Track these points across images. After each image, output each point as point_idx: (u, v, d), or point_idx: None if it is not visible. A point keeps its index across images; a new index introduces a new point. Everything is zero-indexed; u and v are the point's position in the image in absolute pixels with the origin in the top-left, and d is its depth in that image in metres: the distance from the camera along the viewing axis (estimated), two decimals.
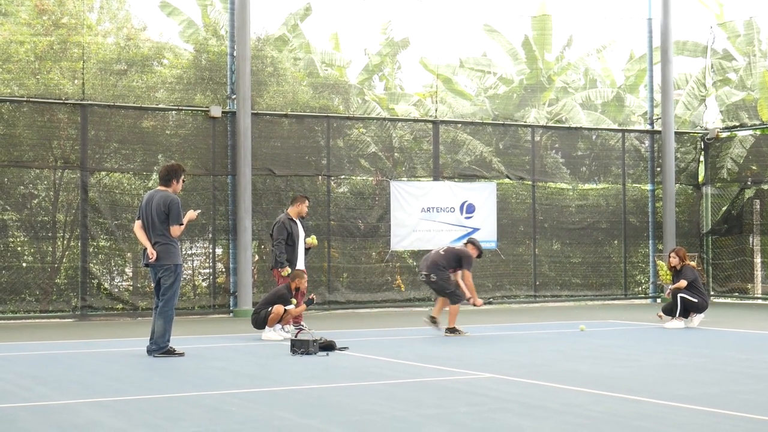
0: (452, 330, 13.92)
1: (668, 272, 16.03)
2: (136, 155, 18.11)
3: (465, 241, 14.76)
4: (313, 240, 14.24)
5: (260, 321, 13.35)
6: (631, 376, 9.58)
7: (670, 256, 15.41)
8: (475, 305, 14.29)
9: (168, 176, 11.57)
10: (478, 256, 14.39)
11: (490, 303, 15.16)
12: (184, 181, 11.82)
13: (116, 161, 18.10)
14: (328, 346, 11.64)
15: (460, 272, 14.12)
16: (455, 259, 14.04)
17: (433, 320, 14.12)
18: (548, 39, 23.96)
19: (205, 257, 18.75)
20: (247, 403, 7.91)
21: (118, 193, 17.88)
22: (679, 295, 15.03)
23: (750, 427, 6.87)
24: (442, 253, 14.14)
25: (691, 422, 7.03)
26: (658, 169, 22.34)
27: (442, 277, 13.93)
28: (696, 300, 15.06)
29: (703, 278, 22.04)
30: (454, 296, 13.95)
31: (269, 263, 14.51)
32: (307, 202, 14.37)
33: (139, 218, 11.54)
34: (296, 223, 14.08)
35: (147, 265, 11.49)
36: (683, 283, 15.00)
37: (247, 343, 13.08)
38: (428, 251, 20.06)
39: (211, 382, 9.31)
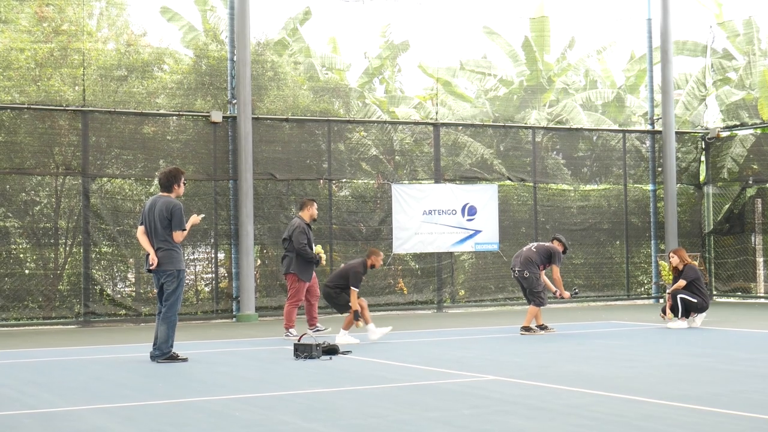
0: (527, 329, 14.49)
1: (670, 273, 16.06)
2: (138, 161, 18.13)
3: (552, 238, 15.37)
4: (319, 250, 14.22)
5: (337, 305, 13.33)
6: (635, 377, 9.58)
7: (670, 257, 15.43)
8: (562, 298, 14.96)
9: (168, 182, 11.59)
10: (564, 252, 15.01)
11: (576, 293, 15.61)
12: (185, 183, 11.84)
13: (117, 167, 18.11)
14: (331, 350, 11.66)
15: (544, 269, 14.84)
16: (547, 256, 14.72)
17: (543, 327, 14.71)
18: (547, 40, 23.97)
19: (207, 262, 18.75)
20: (251, 408, 7.92)
21: (120, 198, 17.90)
22: (678, 295, 15.03)
23: (754, 427, 6.87)
24: (534, 250, 14.80)
25: (694, 422, 7.03)
26: (659, 169, 22.33)
27: (534, 274, 14.57)
28: (695, 300, 15.04)
29: (705, 278, 22.05)
30: (538, 298, 14.56)
31: (282, 269, 14.42)
32: (315, 204, 14.50)
33: (141, 224, 11.56)
34: (310, 228, 14.22)
35: (150, 271, 11.50)
36: (682, 283, 15.01)
37: (251, 347, 13.09)
38: (430, 254, 20.22)
39: (214, 387, 9.32)
